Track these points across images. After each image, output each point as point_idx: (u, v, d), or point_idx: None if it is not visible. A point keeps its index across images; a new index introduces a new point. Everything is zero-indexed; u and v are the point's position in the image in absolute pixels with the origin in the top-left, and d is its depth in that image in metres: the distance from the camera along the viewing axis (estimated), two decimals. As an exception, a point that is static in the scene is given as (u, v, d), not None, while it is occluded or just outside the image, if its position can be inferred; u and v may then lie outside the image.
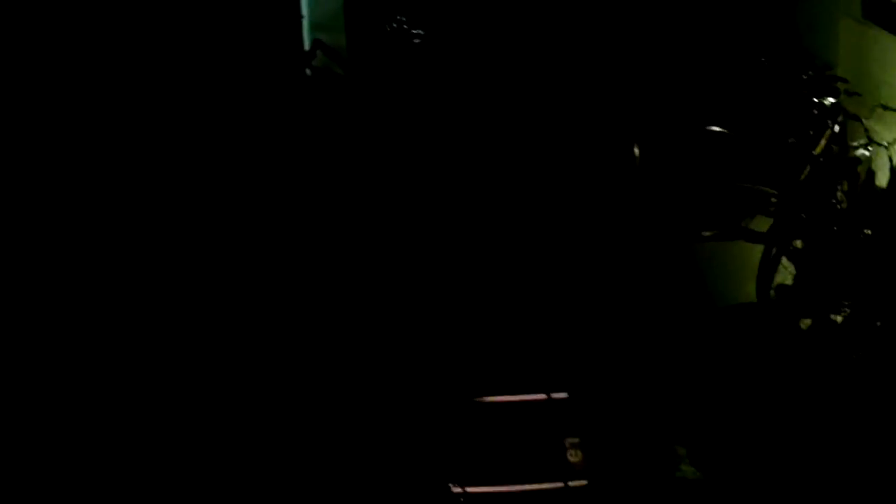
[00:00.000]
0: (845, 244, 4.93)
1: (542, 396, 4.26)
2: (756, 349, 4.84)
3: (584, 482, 3.82)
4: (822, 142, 5.26)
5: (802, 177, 5.23)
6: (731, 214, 5.52)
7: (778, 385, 4.53)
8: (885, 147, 5.16)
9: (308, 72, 6.05)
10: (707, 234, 5.47)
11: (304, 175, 5.42)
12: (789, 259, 5.14)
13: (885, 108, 5.28)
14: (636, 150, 5.69)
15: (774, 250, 5.11)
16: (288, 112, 5.49)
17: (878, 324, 4.68)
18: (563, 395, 4.27)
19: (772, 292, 5.06)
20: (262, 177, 5.17)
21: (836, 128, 5.26)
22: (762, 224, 5.36)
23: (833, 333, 4.82)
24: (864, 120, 5.26)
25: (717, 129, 5.67)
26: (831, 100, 5.31)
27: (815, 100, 5.33)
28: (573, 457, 3.95)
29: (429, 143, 6.25)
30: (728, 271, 5.51)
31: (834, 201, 5.12)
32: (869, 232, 4.88)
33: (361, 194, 5.67)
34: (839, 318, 4.86)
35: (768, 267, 5.12)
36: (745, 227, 5.42)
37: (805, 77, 5.52)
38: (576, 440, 4.01)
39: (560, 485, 3.77)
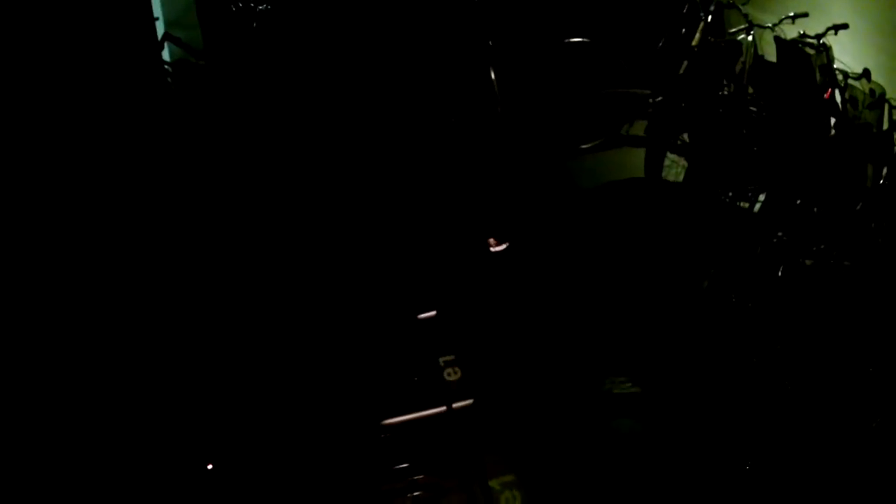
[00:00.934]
0: (736, 125, 4.42)
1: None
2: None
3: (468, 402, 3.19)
4: (697, 35, 4.71)
5: (681, 70, 4.58)
6: (608, 124, 4.73)
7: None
8: (770, 28, 4.76)
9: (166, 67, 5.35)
10: (585, 146, 4.61)
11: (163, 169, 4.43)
12: (678, 153, 4.44)
13: None
14: (492, 74, 4.86)
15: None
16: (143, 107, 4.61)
17: (798, 202, 4.19)
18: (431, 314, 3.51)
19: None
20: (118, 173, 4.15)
21: (709, 18, 4.69)
22: (642, 129, 4.71)
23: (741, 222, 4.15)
24: (741, 6, 4.70)
25: (577, 40, 4.90)
26: None
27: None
28: (451, 375, 3.27)
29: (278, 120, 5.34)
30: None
31: (718, 88, 4.61)
32: (756, 109, 4.47)
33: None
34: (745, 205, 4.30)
35: (654, 165, 4.50)
36: (626, 133, 4.59)
37: None
38: (450, 357, 3.32)
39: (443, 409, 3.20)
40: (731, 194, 4.35)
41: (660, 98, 4.63)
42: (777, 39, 4.59)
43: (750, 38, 4.67)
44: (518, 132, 4.86)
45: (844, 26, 4.87)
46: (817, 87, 4.50)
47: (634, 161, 4.65)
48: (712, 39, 4.71)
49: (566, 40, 5.04)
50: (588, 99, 4.89)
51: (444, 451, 3.12)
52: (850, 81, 5.02)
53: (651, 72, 4.87)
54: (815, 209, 4.42)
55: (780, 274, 3.84)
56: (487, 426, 3.13)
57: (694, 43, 4.68)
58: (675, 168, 4.58)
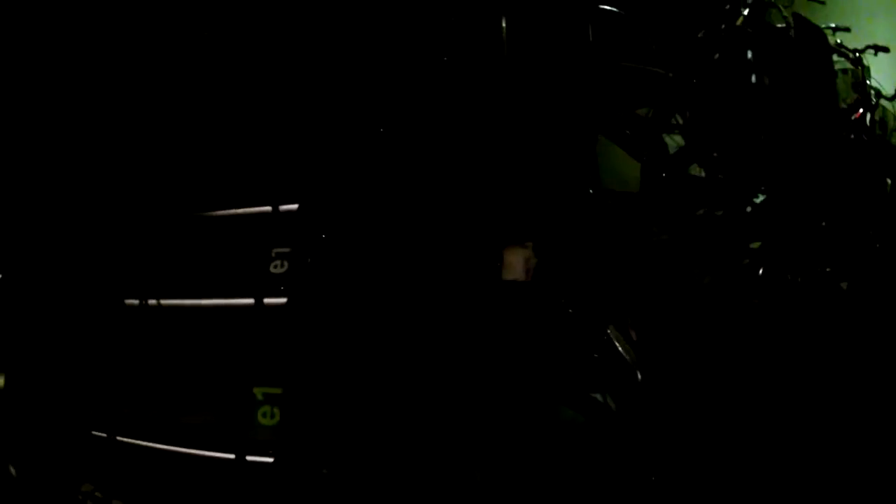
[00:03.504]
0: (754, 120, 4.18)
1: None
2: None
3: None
4: (735, 26, 4.55)
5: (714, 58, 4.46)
6: (625, 103, 4.70)
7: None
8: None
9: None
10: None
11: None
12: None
13: None
14: (503, 24, 4.82)
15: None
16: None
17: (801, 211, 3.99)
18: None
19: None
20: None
21: (747, 11, 4.58)
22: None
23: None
24: (782, 7, 4.60)
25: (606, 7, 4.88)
26: None
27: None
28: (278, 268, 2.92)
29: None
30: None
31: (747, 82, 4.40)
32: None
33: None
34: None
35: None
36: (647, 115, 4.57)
37: None
38: (285, 250, 2.93)
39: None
40: (723, 182, 4.29)
41: (677, 78, 4.61)
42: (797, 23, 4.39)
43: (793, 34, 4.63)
44: (524, 88, 4.82)
45: (885, 49, 4.81)
46: (835, 95, 4.41)
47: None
48: (750, 31, 4.71)
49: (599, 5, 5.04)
50: (608, 72, 4.88)
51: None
52: (883, 101, 4.96)
53: (681, 57, 4.84)
54: (823, 224, 4.32)
55: (769, 287, 3.76)
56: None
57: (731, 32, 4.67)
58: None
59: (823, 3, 4.71)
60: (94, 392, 3.04)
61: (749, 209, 4.30)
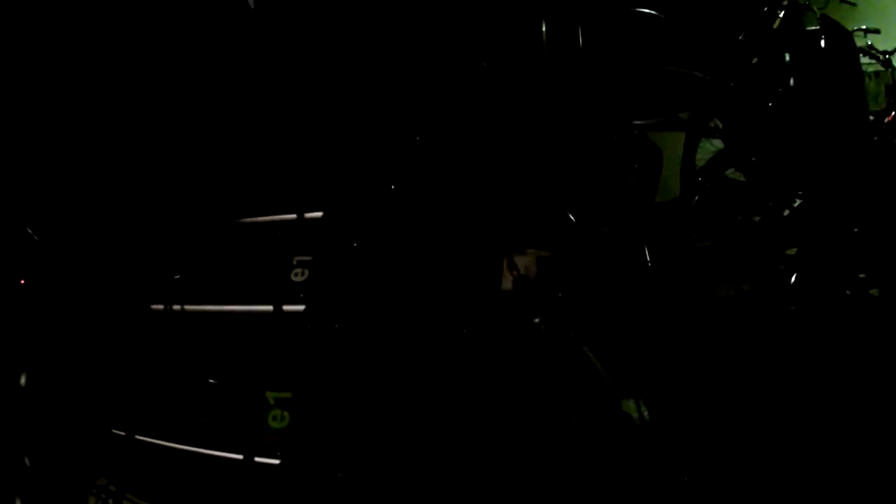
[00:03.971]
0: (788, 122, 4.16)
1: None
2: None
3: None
4: (772, 29, 4.54)
5: (753, 62, 4.48)
6: (664, 104, 4.68)
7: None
8: None
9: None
10: (640, 122, 4.57)
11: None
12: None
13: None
14: (543, 28, 4.82)
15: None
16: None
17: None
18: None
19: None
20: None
21: (782, 14, 4.53)
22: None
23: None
24: (816, 10, 4.55)
25: (645, 10, 4.87)
26: None
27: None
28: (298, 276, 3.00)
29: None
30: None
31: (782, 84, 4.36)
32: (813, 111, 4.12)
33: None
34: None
35: (691, 149, 4.36)
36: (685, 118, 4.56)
37: None
38: (307, 258, 3.02)
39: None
40: (761, 190, 4.22)
41: (715, 82, 4.54)
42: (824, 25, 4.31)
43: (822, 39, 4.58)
44: (565, 92, 4.81)
45: (916, 51, 4.70)
46: (863, 99, 4.32)
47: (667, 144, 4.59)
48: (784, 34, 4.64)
49: (637, 8, 5.02)
50: (649, 73, 4.86)
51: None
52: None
53: (719, 60, 4.79)
54: (856, 230, 4.23)
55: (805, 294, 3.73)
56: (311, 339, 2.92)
57: (767, 35, 4.56)
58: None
59: (855, 4, 4.64)
60: (114, 392, 3.12)
61: (786, 213, 4.24)
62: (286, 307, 2.88)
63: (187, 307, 3.07)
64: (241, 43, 3.58)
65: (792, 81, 4.36)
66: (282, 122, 3.48)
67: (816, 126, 4.18)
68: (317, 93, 3.57)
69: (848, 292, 3.94)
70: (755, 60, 4.62)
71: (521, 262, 3.12)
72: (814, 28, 4.57)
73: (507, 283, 3.17)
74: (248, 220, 3.20)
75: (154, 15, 3.56)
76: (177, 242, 3.32)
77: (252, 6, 3.94)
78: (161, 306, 3.15)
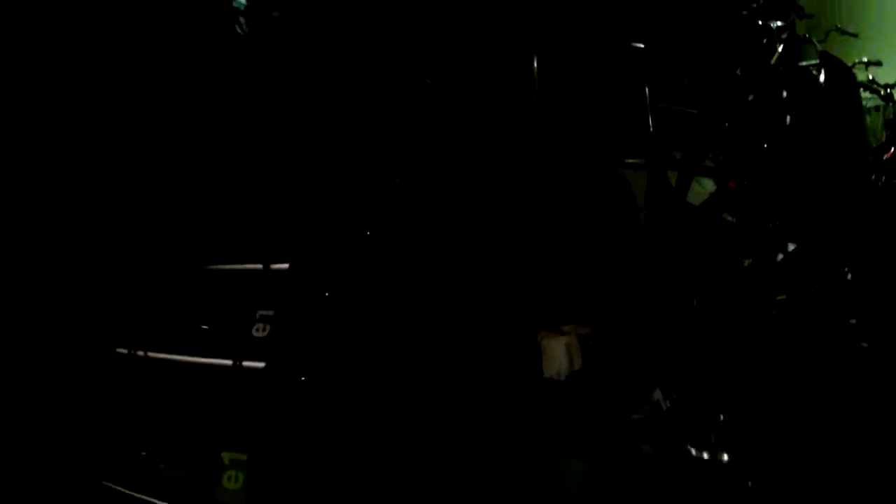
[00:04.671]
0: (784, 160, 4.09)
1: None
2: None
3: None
4: (770, 63, 4.51)
5: (749, 98, 4.40)
6: (656, 141, 4.59)
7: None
8: None
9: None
10: (631, 161, 4.51)
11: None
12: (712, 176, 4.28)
13: (841, 31, 4.68)
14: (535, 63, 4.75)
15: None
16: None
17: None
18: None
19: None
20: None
21: (782, 48, 4.49)
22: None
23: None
24: (817, 43, 4.54)
25: (640, 45, 4.78)
26: (780, 23, 4.64)
27: (762, 23, 4.66)
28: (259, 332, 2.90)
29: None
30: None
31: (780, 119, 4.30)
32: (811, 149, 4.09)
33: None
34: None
35: (682, 187, 4.27)
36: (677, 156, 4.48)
37: (755, 4, 4.85)
38: (269, 312, 2.91)
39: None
40: (754, 233, 4.14)
41: (710, 119, 4.45)
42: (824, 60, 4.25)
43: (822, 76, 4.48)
44: (553, 126, 4.72)
45: (918, 84, 4.60)
46: (865, 137, 4.22)
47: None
48: (782, 69, 4.48)
49: (629, 42, 4.93)
50: (641, 109, 4.77)
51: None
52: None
53: (713, 94, 4.69)
54: (850, 275, 4.12)
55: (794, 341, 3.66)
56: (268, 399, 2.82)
57: (765, 70, 4.48)
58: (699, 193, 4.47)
59: (856, 36, 4.55)
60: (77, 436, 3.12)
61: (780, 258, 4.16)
62: (246, 363, 2.83)
63: (150, 354, 3.06)
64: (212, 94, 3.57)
65: (790, 120, 4.28)
66: (252, 167, 3.47)
67: (815, 168, 4.10)
68: (289, 138, 3.55)
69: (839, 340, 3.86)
70: (751, 97, 4.52)
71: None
72: (813, 62, 4.49)
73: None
74: (215, 267, 3.18)
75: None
76: (147, 286, 3.31)
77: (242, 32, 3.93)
78: (126, 351, 3.15)
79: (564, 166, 4.41)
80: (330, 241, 3.10)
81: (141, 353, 3.09)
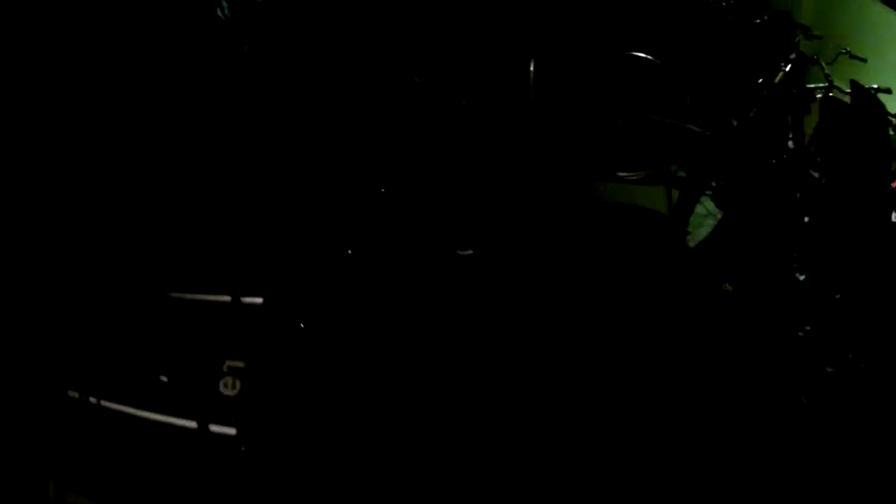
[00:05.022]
0: (791, 185, 3.93)
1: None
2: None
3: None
4: (774, 83, 4.34)
5: (750, 115, 4.23)
6: (653, 156, 4.39)
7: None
8: (848, 93, 4.18)
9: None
10: (624, 174, 4.27)
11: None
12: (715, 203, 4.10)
13: (850, 55, 4.40)
14: (531, 68, 4.51)
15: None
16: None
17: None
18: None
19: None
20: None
21: (788, 67, 4.35)
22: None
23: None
24: (824, 65, 4.35)
25: (641, 55, 4.56)
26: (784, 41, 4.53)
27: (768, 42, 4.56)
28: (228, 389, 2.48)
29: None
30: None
31: (784, 141, 4.22)
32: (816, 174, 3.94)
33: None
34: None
35: (683, 210, 4.12)
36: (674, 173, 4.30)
37: (758, 21, 4.70)
38: (239, 364, 2.49)
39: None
40: (761, 264, 3.93)
41: (713, 138, 4.23)
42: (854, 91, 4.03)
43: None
44: (548, 133, 4.50)
45: (927, 112, 4.41)
46: (885, 171, 4.03)
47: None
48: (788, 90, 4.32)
49: (629, 52, 4.71)
50: (638, 122, 4.57)
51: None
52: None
53: (716, 110, 4.44)
54: (856, 308, 3.94)
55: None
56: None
57: (770, 90, 4.31)
58: (707, 220, 4.25)
59: (865, 60, 4.36)
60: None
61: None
62: (213, 427, 2.37)
63: (104, 402, 2.54)
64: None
65: (824, 149, 4.09)
66: (223, 172, 3.02)
67: (832, 196, 3.90)
68: (269, 140, 3.17)
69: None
70: (754, 114, 4.28)
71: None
72: (822, 86, 4.33)
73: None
74: (179, 295, 2.66)
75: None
76: (97, 310, 2.80)
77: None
78: (76, 394, 2.63)
79: (557, 178, 4.22)
80: (312, 269, 2.67)
81: (93, 399, 2.57)
